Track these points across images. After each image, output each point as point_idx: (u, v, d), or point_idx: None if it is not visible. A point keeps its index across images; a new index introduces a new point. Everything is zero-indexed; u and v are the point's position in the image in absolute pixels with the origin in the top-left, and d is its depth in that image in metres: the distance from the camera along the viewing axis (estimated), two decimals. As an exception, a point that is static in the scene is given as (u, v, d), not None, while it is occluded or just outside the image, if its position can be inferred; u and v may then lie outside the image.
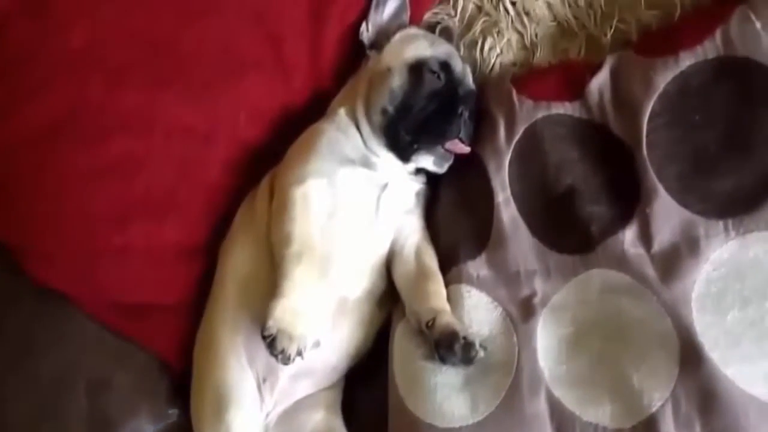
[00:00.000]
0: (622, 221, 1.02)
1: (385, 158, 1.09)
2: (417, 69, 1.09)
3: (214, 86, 1.10)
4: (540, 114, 1.10)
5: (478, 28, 1.18)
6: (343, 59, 1.18)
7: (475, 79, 1.16)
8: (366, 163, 1.09)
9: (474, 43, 1.20)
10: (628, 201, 1.01)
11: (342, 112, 1.12)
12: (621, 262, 1.00)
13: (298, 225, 1.04)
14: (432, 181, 1.14)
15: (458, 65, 1.13)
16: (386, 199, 1.09)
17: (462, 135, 1.09)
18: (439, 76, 1.09)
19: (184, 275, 1.13)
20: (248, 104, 1.12)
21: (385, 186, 1.09)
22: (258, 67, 1.12)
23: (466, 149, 1.11)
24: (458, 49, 1.20)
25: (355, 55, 1.17)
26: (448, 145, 1.10)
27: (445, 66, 1.10)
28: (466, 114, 1.09)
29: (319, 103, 1.16)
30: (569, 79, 1.13)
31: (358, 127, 1.10)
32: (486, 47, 1.19)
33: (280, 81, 1.14)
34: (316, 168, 1.06)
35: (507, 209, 1.10)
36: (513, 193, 1.10)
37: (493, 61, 1.20)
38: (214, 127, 1.10)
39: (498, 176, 1.12)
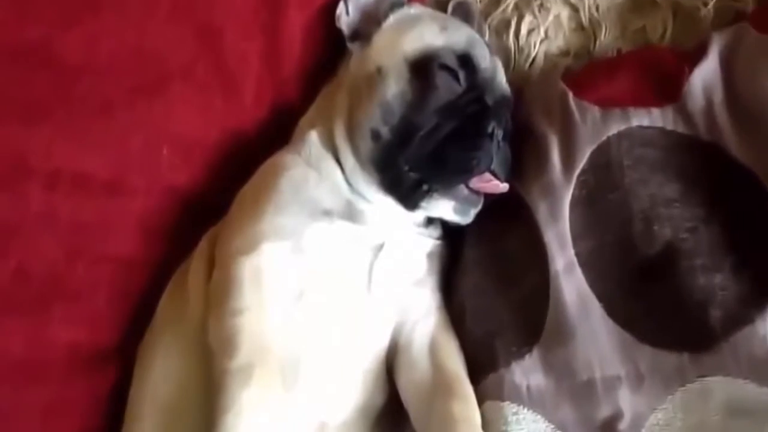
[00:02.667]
0: (761, 303, 0.68)
1: (380, 205, 0.77)
2: (423, 67, 0.76)
3: (117, 111, 0.78)
4: (613, 128, 0.77)
5: (510, 1, 0.84)
6: (312, 58, 0.86)
7: (509, 79, 0.84)
8: (350, 215, 0.76)
9: (505, 23, 0.87)
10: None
11: (313, 136, 0.79)
12: (760, 370, 0.67)
13: (247, 318, 0.70)
14: (452, 235, 0.81)
15: (484, 58, 0.79)
16: (382, 266, 0.76)
17: (495, 166, 0.76)
18: (456, 77, 0.76)
19: (79, 395, 0.78)
20: (172, 133, 0.81)
21: (380, 247, 0.76)
22: (185, 78, 0.80)
23: (503, 187, 0.77)
24: (483, 35, 0.86)
25: (330, 51, 0.86)
26: (475, 182, 0.76)
27: (466, 60, 0.77)
28: (499, 134, 0.76)
29: (279, 126, 0.85)
30: (654, 74, 0.80)
31: (337, 160, 0.78)
32: (523, 29, 0.86)
33: (219, 96, 0.82)
34: (274, 226, 0.73)
35: (570, 280, 0.74)
36: (578, 255, 0.75)
37: (535, 49, 0.86)
38: (122, 171, 0.79)
39: (553, 228, 0.76)
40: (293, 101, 0.86)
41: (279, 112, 0.86)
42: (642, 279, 0.73)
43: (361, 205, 0.77)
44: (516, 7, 0.86)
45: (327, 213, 0.75)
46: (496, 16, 0.87)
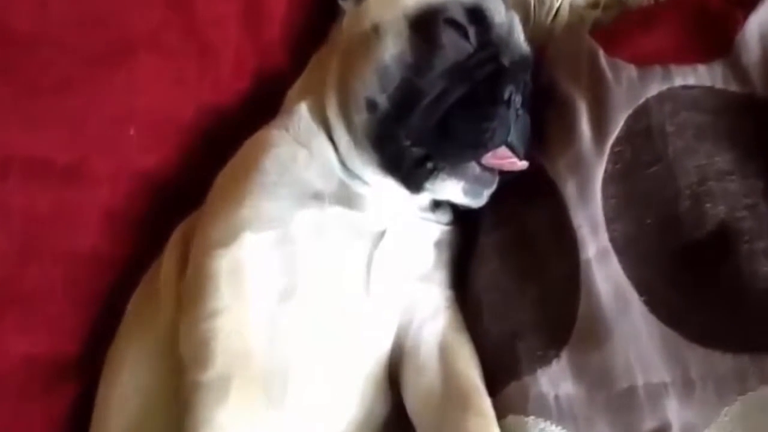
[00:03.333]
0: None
1: (379, 187, 0.68)
2: (425, 23, 0.65)
3: (74, 86, 0.67)
4: (653, 88, 0.66)
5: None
6: (300, 19, 0.76)
7: (528, 36, 0.71)
8: (345, 199, 0.67)
9: None
10: None
11: (303, 109, 0.70)
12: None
13: (225, 321, 0.61)
14: (464, 219, 0.71)
15: (499, 13, 0.68)
16: (383, 258, 0.66)
17: (512, 139, 0.65)
18: (466, 34, 0.66)
19: (37, 412, 0.68)
20: (139, 110, 0.70)
21: (380, 236, 0.67)
22: (152, 46, 0.70)
23: (521, 164, 0.66)
24: None
25: (321, 10, 0.75)
26: (488, 158, 0.65)
27: (477, 14, 0.66)
28: (518, 100, 0.65)
29: (265, 99, 0.75)
30: (700, 23, 0.68)
31: (330, 136, 0.68)
32: None
33: (193, 65, 0.72)
34: (257, 212, 0.64)
35: (604, 269, 0.63)
36: (614, 240, 0.64)
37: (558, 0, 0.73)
38: (82, 156, 0.68)
39: (584, 208, 0.65)
40: (280, 70, 0.77)
41: (264, 83, 0.77)
42: (691, 267, 0.62)
43: (358, 187, 0.67)
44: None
45: (318, 197, 0.66)
46: (512, -39, 0.75)
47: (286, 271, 0.63)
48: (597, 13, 0.75)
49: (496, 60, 0.65)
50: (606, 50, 0.67)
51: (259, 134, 0.70)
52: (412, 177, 0.65)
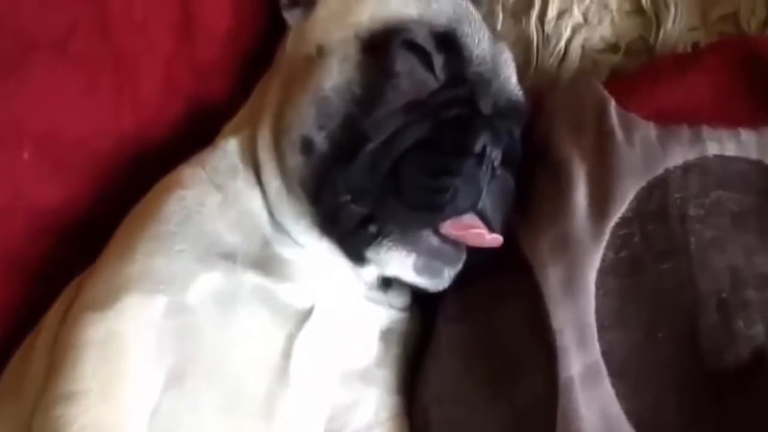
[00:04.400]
0: None
1: (314, 251, 0.55)
2: (379, 46, 0.53)
3: None
4: (677, 155, 0.51)
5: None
6: (245, 37, 0.63)
7: (526, 80, 0.59)
8: (266, 263, 0.54)
9: (527, 1, 0.62)
10: None
11: (230, 145, 0.58)
12: None
13: (83, 408, 0.48)
14: (425, 305, 0.58)
15: (479, 41, 0.55)
16: (308, 345, 0.53)
17: (484, 204, 0.51)
18: (430, 63, 0.53)
19: None
20: (36, 129, 0.58)
21: (307, 315, 0.53)
22: (55, 51, 0.58)
23: (492, 238, 0.51)
24: (491, 15, 0.63)
25: (269, 29, 0.63)
26: (449, 227, 0.51)
27: (448, 41, 0.54)
28: (495, 155, 0.51)
29: (201, 128, 0.62)
30: (748, 75, 0.54)
31: (259, 179, 0.56)
32: (551, 11, 0.62)
33: (107, 78, 0.60)
34: (146, 271, 0.52)
35: (590, 393, 0.47)
36: (607, 354, 0.48)
37: (566, 39, 0.61)
38: None
39: (569, 308, 0.49)
40: (219, 96, 0.65)
41: (201, 110, 0.65)
42: (715, 401, 0.45)
43: (286, 249, 0.55)
44: (541, -23, 0.60)
45: (229, 257, 0.53)
46: (512, -12, 0.61)
47: (178, 350, 0.51)
48: (616, 58, 0.61)
49: (470, 102, 0.51)
50: (620, 102, 0.53)
51: (175, 172, 0.58)
52: (350, 241, 0.53)
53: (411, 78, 0.52)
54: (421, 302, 0.58)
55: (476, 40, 0.53)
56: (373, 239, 0.51)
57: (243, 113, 0.61)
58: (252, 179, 0.56)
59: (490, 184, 0.51)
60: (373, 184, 0.50)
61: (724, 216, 0.48)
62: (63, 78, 0.59)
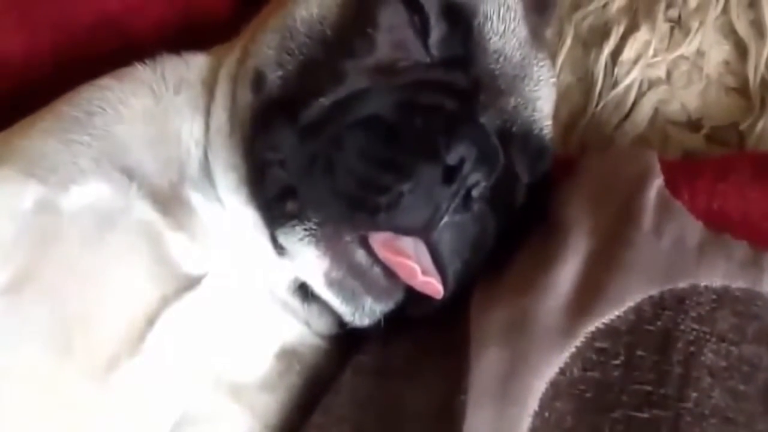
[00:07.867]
0: None
1: (233, 214, 0.45)
2: None
3: None
4: (716, 274, 0.36)
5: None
6: None
7: (576, 134, 0.48)
8: (169, 202, 0.45)
9: (601, 31, 0.49)
10: None
11: (199, 60, 0.50)
12: None
13: None
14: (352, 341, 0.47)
15: (504, 38, 0.44)
16: (179, 321, 0.43)
17: (440, 240, 0.39)
18: (426, 29, 0.42)
19: None
20: None
21: (194, 283, 0.44)
22: None
23: (427, 284, 0.38)
24: (557, 37, 0.51)
25: None
26: (379, 243, 0.39)
27: (457, 13, 0.43)
28: (477, 182, 0.39)
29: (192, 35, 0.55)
30: None
31: (209, 108, 0.48)
32: (629, 50, 0.48)
33: None
34: (29, 148, 0.45)
35: None
36: None
37: (635, 89, 0.47)
38: None
39: (491, 416, 0.35)
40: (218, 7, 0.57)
41: (196, 18, 0.56)
42: None
43: (200, 198, 0.46)
44: (628, 7, 0.46)
45: (128, 173, 0.45)
46: (590, 13, 0.47)
47: (32, 252, 0.43)
48: (694, 139, 0.46)
49: (465, 100, 0.38)
50: (669, 183, 0.38)
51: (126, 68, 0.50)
52: (268, 215, 0.43)
53: (392, 35, 0.41)
54: (347, 342, 0.45)
55: (500, 31, 0.42)
56: (287, 219, 0.41)
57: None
58: (200, 104, 0.48)
59: (458, 215, 0.38)
60: (306, 150, 0.39)
61: (749, 384, 0.34)
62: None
